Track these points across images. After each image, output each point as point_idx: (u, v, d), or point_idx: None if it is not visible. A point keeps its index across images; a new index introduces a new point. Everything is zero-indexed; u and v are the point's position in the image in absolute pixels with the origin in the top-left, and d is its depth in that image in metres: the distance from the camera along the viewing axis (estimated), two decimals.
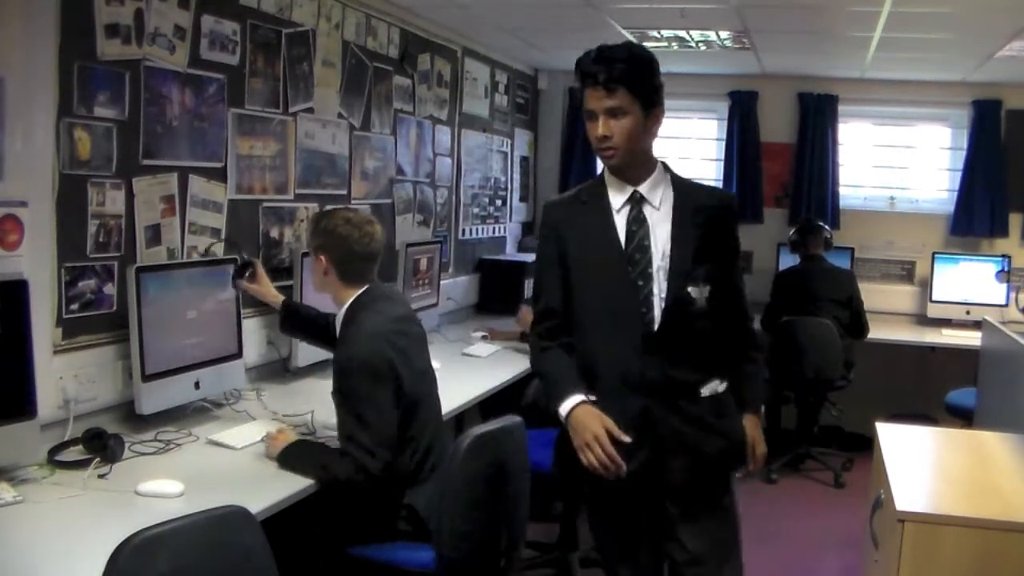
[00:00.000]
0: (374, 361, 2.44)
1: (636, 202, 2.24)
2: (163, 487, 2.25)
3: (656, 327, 2.19)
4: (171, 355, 2.80)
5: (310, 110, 3.76)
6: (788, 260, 5.74)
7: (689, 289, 2.19)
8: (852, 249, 5.96)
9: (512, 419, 2.64)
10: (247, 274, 3.05)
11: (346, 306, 2.61)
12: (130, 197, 2.82)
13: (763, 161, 6.20)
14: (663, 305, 2.19)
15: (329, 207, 3.35)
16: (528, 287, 5.58)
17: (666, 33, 4.83)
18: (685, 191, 2.27)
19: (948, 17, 4.00)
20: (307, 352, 3.52)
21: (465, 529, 2.40)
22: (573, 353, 2.28)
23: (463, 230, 5.43)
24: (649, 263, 2.20)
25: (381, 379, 2.44)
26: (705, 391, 2.25)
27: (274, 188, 3.57)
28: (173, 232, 3.02)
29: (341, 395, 2.44)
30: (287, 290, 3.52)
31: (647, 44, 5.11)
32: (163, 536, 1.67)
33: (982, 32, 4.32)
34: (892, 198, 6.21)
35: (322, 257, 2.60)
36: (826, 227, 5.47)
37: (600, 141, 2.17)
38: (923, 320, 5.95)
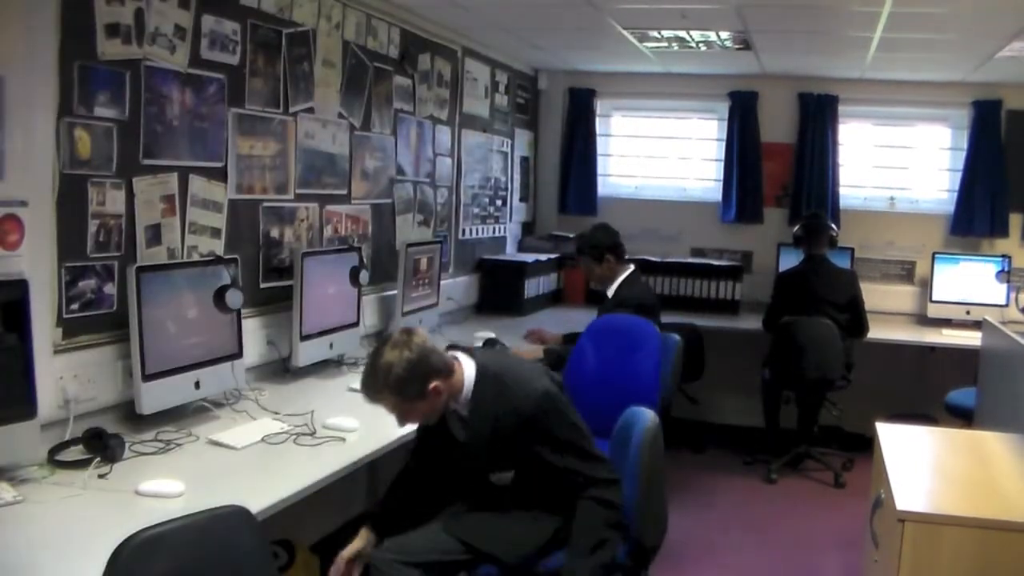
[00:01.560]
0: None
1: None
2: (163, 487, 2.25)
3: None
4: (171, 355, 2.80)
5: (310, 110, 3.76)
6: (788, 260, 5.73)
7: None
8: (852, 249, 5.96)
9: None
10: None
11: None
12: (130, 197, 2.82)
13: (763, 161, 6.19)
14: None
15: None
16: (529, 287, 5.58)
17: (666, 33, 4.83)
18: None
19: (948, 17, 4.00)
20: (307, 352, 3.52)
21: (662, 515, 2.72)
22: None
23: (463, 230, 5.43)
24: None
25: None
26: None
27: (274, 188, 3.57)
28: (173, 232, 3.02)
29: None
30: (287, 290, 3.53)
31: (647, 44, 5.11)
32: (163, 536, 1.67)
33: (982, 32, 4.32)
34: (892, 198, 6.21)
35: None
36: (832, 225, 5.46)
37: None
38: (923, 320, 5.95)
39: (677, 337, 4.44)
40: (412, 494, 2.71)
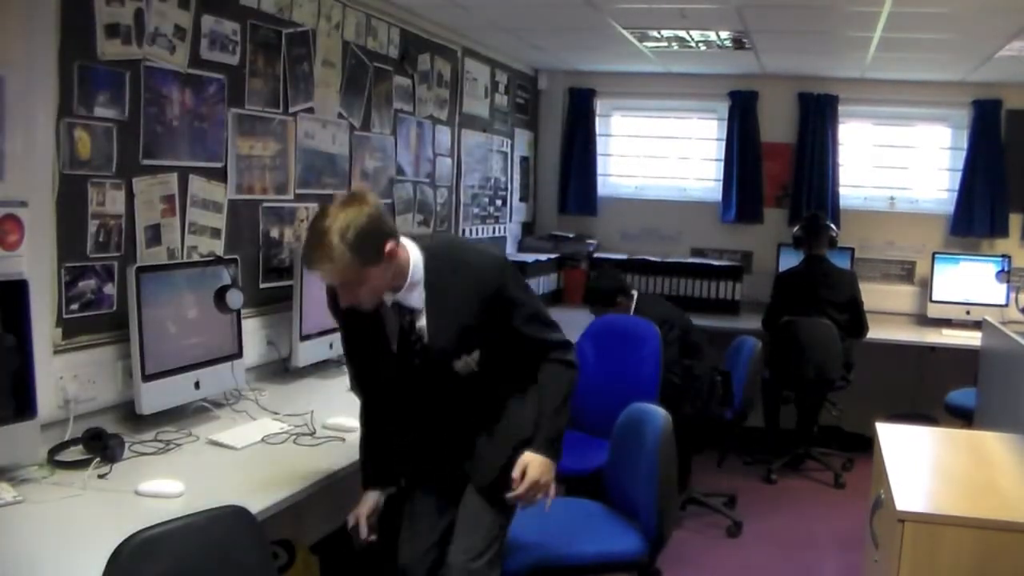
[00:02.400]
0: None
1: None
2: (163, 487, 2.25)
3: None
4: (171, 355, 2.80)
5: (310, 110, 3.76)
6: (788, 260, 5.74)
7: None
8: (852, 249, 5.96)
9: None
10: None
11: None
12: (130, 197, 2.82)
13: (763, 161, 6.19)
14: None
15: None
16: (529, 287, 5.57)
17: (666, 33, 4.83)
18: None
19: (948, 17, 4.00)
20: (307, 352, 3.52)
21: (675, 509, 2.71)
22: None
23: (463, 230, 5.43)
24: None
25: None
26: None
27: (274, 188, 3.57)
28: (173, 232, 3.02)
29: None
30: (287, 290, 3.53)
31: (647, 44, 5.11)
32: (163, 536, 1.67)
33: (982, 32, 4.32)
34: (892, 198, 6.21)
35: None
36: (832, 226, 5.46)
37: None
38: (923, 320, 5.95)
39: (754, 341, 4.51)
40: (387, 437, 2.50)
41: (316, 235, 2.10)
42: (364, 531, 2.41)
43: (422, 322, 2.31)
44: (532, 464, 2.33)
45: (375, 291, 2.20)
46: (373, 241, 2.12)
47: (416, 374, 2.36)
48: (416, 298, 2.28)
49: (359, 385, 2.51)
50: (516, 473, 2.32)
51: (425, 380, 2.38)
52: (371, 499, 2.45)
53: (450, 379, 2.35)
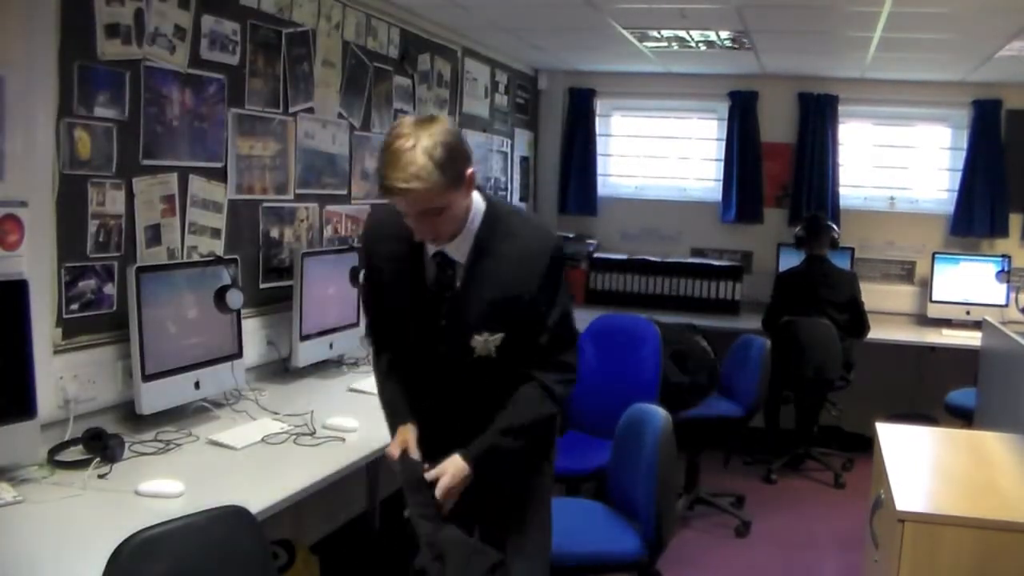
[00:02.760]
0: None
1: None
2: (163, 487, 2.25)
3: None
4: (171, 355, 2.80)
5: (310, 110, 3.76)
6: (788, 260, 5.74)
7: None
8: (852, 249, 5.96)
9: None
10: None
11: None
12: (130, 197, 2.82)
13: (763, 161, 6.19)
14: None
15: None
16: None
17: (666, 33, 4.83)
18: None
19: (948, 17, 4.00)
20: (307, 352, 3.52)
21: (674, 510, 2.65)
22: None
23: None
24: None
25: None
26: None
27: (274, 188, 3.57)
28: (173, 232, 3.02)
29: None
30: (287, 290, 3.53)
31: (647, 44, 5.11)
32: (163, 536, 1.67)
33: (982, 32, 4.32)
34: (892, 198, 6.21)
35: None
36: (834, 227, 5.45)
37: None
38: (923, 320, 5.95)
39: (762, 340, 4.52)
40: (404, 385, 2.31)
41: (399, 155, 1.93)
42: (416, 453, 2.16)
43: (458, 281, 2.15)
44: (452, 470, 2.12)
45: (455, 220, 2.06)
46: (459, 162, 1.99)
47: (436, 340, 2.19)
48: (462, 252, 2.13)
49: (377, 340, 2.37)
50: (433, 475, 2.11)
51: (442, 351, 2.20)
52: (406, 431, 2.21)
53: (465, 357, 2.16)
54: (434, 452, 2.17)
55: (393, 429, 2.27)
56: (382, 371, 2.35)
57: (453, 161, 1.96)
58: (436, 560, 2.05)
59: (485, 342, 2.14)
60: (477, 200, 2.13)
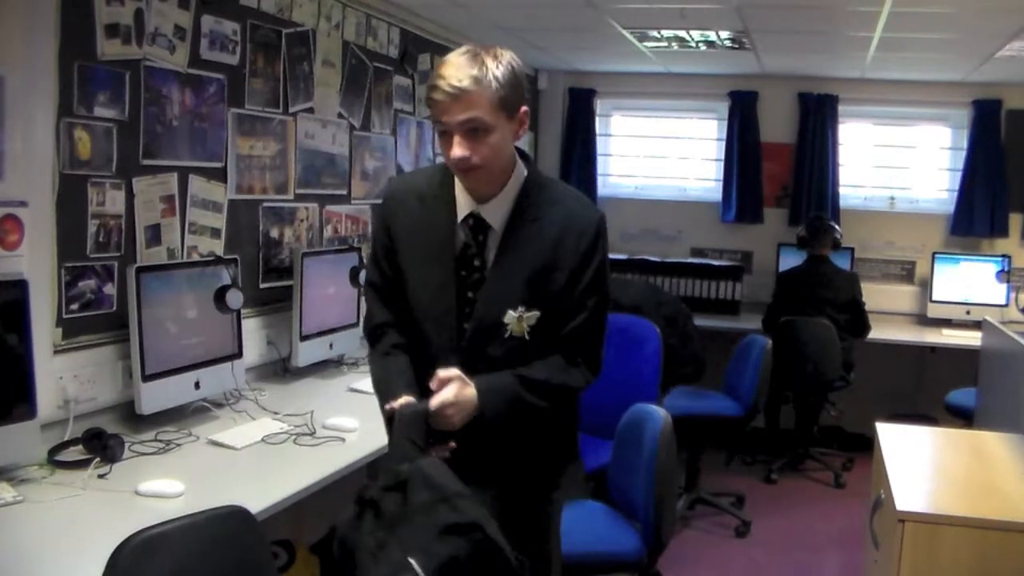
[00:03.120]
0: None
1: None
2: (163, 487, 2.25)
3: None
4: (171, 355, 2.80)
5: (310, 110, 3.76)
6: (788, 260, 5.74)
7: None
8: (852, 249, 5.95)
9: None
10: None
11: None
12: (130, 197, 2.82)
13: (763, 161, 6.19)
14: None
15: None
16: None
17: (666, 33, 4.83)
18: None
19: (948, 17, 4.00)
20: (307, 352, 3.52)
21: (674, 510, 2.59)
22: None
23: None
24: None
25: None
26: None
27: (274, 188, 3.57)
28: (173, 232, 3.02)
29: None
30: (287, 290, 3.53)
31: (647, 44, 5.11)
32: (163, 536, 1.67)
33: (982, 32, 4.32)
34: (892, 198, 6.21)
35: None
36: (836, 227, 5.45)
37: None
38: (923, 320, 5.95)
39: (764, 339, 4.55)
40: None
41: (456, 59, 1.83)
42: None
43: (492, 250, 1.98)
44: (456, 388, 1.87)
45: (496, 155, 1.88)
46: (519, 89, 1.88)
47: (463, 317, 1.98)
48: (498, 216, 1.97)
49: (381, 324, 2.07)
50: (436, 384, 1.89)
51: (469, 330, 1.97)
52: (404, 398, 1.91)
53: (494, 336, 1.96)
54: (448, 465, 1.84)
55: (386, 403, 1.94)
56: (381, 352, 2.07)
57: (514, 86, 1.86)
58: (393, 490, 1.71)
59: (520, 319, 1.95)
60: (520, 165, 1.99)
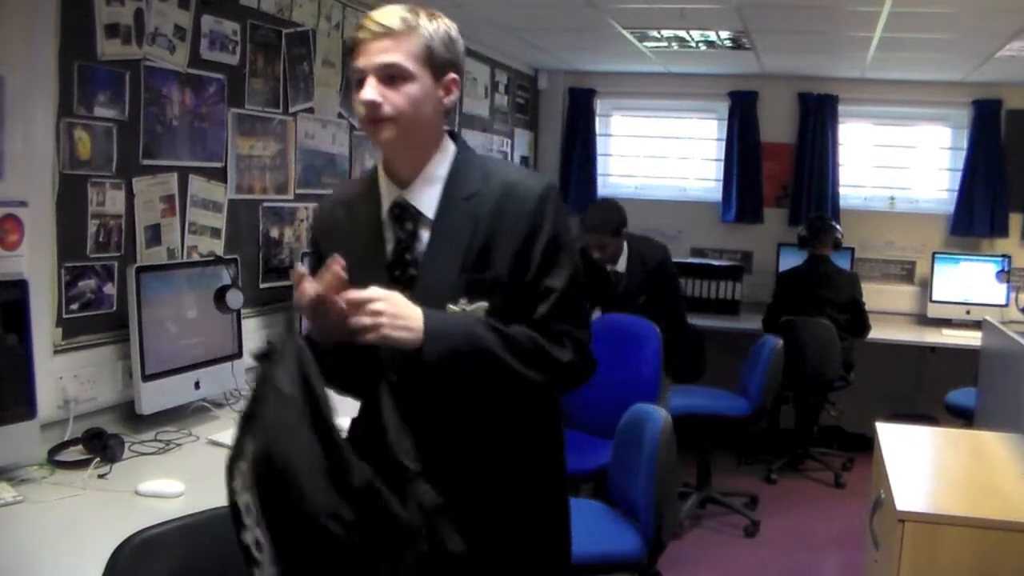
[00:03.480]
0: None
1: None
2: (163, 487, 2.25)
3: None
4: (171, 355, 2.80)
5: (310, 110, 3.76)
6: (788, 260, 5.74)
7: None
8: (852, 249, 5.95)
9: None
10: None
11: None
12: (130, 197, 2.82)
13: (763, 161, 6.19)
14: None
15: None
16: None
17: (666, 33, 4.83)
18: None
19: (948, 17, 4.00)
20: None
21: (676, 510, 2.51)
22: None
23: None
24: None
25: None
26: None
27: (274, 188, 3.57)
28: (173, 232, 3.02)
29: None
30: (287, 290, 3.53)
31: (647, 44, 5.11)
32: (163, 536, 1.67)
33: (982, 32, 4.32)
34: (892, 198, 6.21)
35: None
36: (838, 227, 5.45)
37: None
38: (923, 320, 5.95)
39: (774, 340, 4.57)
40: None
41: (399, 6, 1.69)
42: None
43: (423, 241, 1.71)
44: (395, 299, 1.58)
45: (413, 106, 1.64)
46: (451, 52, 1.74)
47: None
48: (428, 201, 1.71)
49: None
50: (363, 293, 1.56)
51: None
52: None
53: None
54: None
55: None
56: None
57: (446, 45, 1.72)
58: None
59: (464, 314, 1.66)
60: (448, 142, 1.76)
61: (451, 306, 1.66)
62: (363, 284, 1.60)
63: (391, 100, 1.63)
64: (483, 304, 1.67)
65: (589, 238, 4.39)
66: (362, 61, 1.65)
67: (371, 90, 1.62)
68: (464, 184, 1.72)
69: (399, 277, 1.71)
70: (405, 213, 1.72)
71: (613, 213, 4.38)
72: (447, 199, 1.71)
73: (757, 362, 4.60)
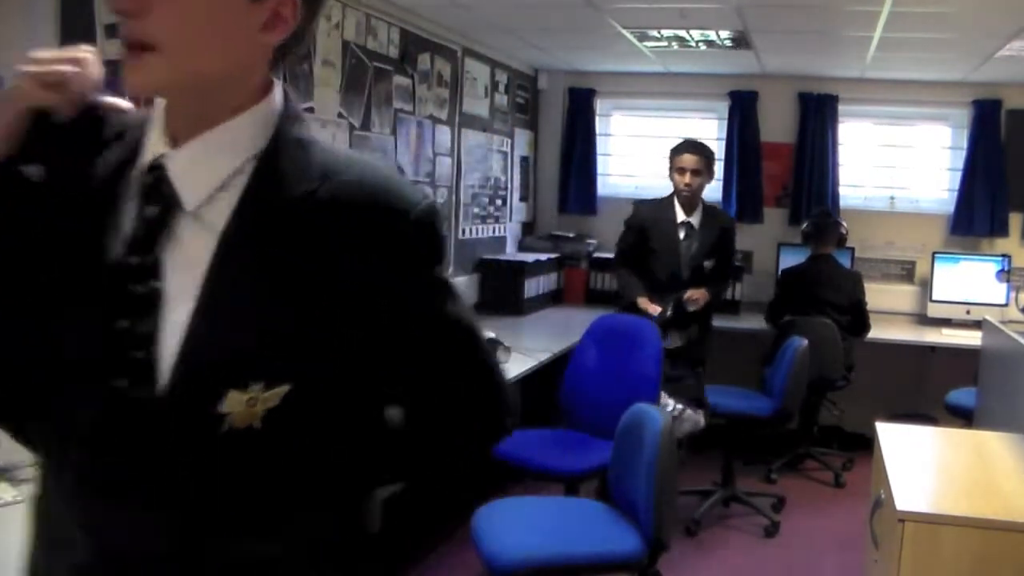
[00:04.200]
0: None
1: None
2: None
3: None
4: None
5: (310, 110, 3.76)
6: (788, 260, 5.73)
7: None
8: (852, 249, 5.95)
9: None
10: None
11: None
12: None
13: (763, 161, 6.20)
14: None
15: None
16: (528, 287, 5.58)
17: (666, 33, 4.83)
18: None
19: (948, 17, 4.00)
20: None
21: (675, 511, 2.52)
22: None
23: (463, 230, 5.43)
24: None
25: None
26: None
27: None
28: None
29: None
30: None
31: (647, 44, 5.12)
32: None
33: (982, 32, 4.32)
34: (892, 198, 6.21)
35: None
36: (842, 223, 5.44)
37: None
38: (923, 320, 5.95)
39: (799, 341, 4.59)
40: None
41: None
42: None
43: (183, 244, 1.00)
44: None
45: (189, 19, 1.00)
46: None
47: (117, 383, 0.99)
48: (200, 182, 1.01)
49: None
50: None
51: (146, 412, 0.98)
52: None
53: (196, 435, 0.99)
54: None
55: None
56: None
57: None
58: None
59: (249, 401, 0.97)
60: (277, 94, 1.11)
61: (232, 389, 0.96)
62: (67, 307, 1.01)
63: (158, 12, 1.00)
64: (285, 386, 0.98)
65: (683, 160, 4.41)
66: None
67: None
68: (290, 176, 1.02)
69: (126, 289, 0.99)
70: (155, 188, 1.01)
71: (710, 149, 4.55)
72: (255, 195, 1.01)
73: (781, 363, 4.60)
